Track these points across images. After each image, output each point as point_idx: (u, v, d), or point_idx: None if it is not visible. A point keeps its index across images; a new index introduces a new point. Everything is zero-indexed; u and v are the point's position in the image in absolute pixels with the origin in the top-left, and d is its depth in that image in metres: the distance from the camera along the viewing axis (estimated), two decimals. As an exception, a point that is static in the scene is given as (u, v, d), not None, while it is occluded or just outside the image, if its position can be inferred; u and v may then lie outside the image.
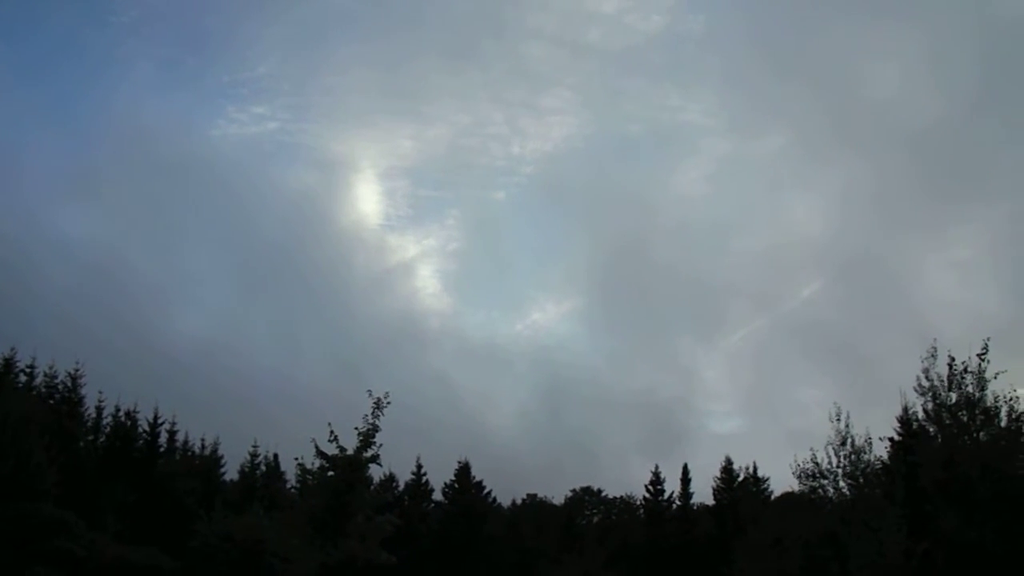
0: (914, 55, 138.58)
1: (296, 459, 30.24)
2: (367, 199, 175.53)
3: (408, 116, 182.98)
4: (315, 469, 29.53)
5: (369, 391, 29.08)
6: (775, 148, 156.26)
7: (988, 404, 36.09)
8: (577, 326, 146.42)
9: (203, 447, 62.25)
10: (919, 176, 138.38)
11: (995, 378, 36.02)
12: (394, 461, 64.89)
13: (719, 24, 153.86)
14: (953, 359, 36.65)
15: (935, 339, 37.62)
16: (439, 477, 71.86)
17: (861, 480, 39.01)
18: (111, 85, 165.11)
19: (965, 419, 36.49)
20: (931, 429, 38.59)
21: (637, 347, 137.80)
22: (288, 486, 55.92)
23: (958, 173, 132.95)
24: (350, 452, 28.96)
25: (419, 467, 70.53)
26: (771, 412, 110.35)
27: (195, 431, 62.39)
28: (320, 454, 29.13)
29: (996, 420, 36.12)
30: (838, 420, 39.32)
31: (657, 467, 72.76)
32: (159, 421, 59.21)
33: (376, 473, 57.21)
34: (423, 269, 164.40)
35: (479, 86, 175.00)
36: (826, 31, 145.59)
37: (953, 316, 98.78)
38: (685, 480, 71.50)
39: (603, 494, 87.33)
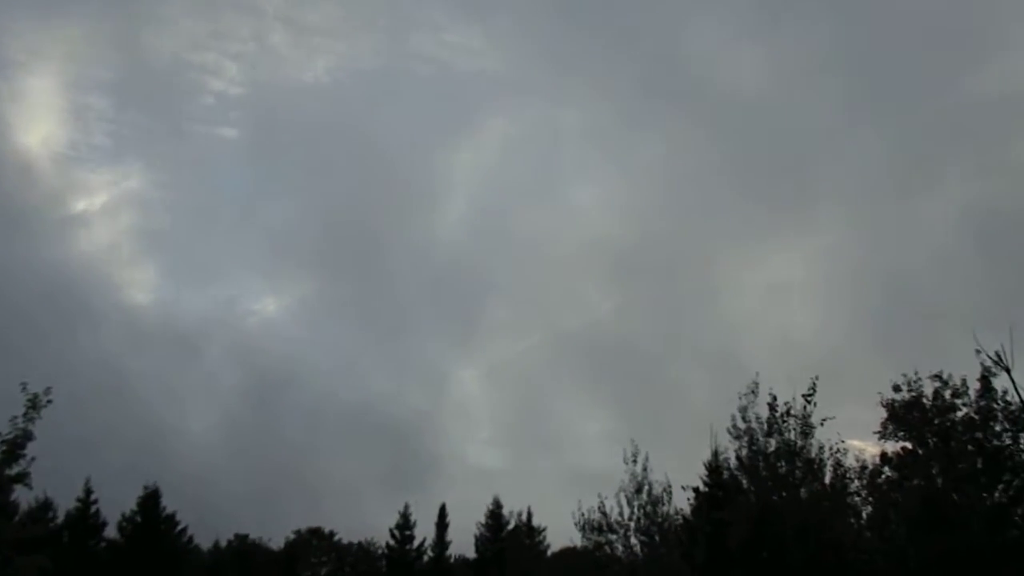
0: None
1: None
2: (45, 116, 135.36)
3: (120, 11, 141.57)
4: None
5: (23, 384, 21.49)
6: (584, 123, 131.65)
7: (812, 455, 31.75)
8: (300, 314, 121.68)
9: None
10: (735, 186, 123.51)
11: (822, 425, 32.07)
12: (52, 482, 50.51)
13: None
14: (775, 398, 32.53)
15: (757, 373, 34.07)
16: (115, 507, 58.92)
17: (657, 537, 36.12)
18: None
19: (784, 471, 31.84)
20: (744, 480, 33.62)
21: (374, 348, 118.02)
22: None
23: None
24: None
25: (88, 492, 58.13)
26: (548, 445, 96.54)
27: None
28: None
29: (820, 475, 31.71)
30: (634, 462, 36.52)
31: (407, 507, 65.23)
32: None
33: (25, 497, 48.07)
34: (114, 219, 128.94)
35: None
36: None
37: (765, 347, 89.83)
38: (441, 524, 64.15)
39: (336, 538, 77.66)
